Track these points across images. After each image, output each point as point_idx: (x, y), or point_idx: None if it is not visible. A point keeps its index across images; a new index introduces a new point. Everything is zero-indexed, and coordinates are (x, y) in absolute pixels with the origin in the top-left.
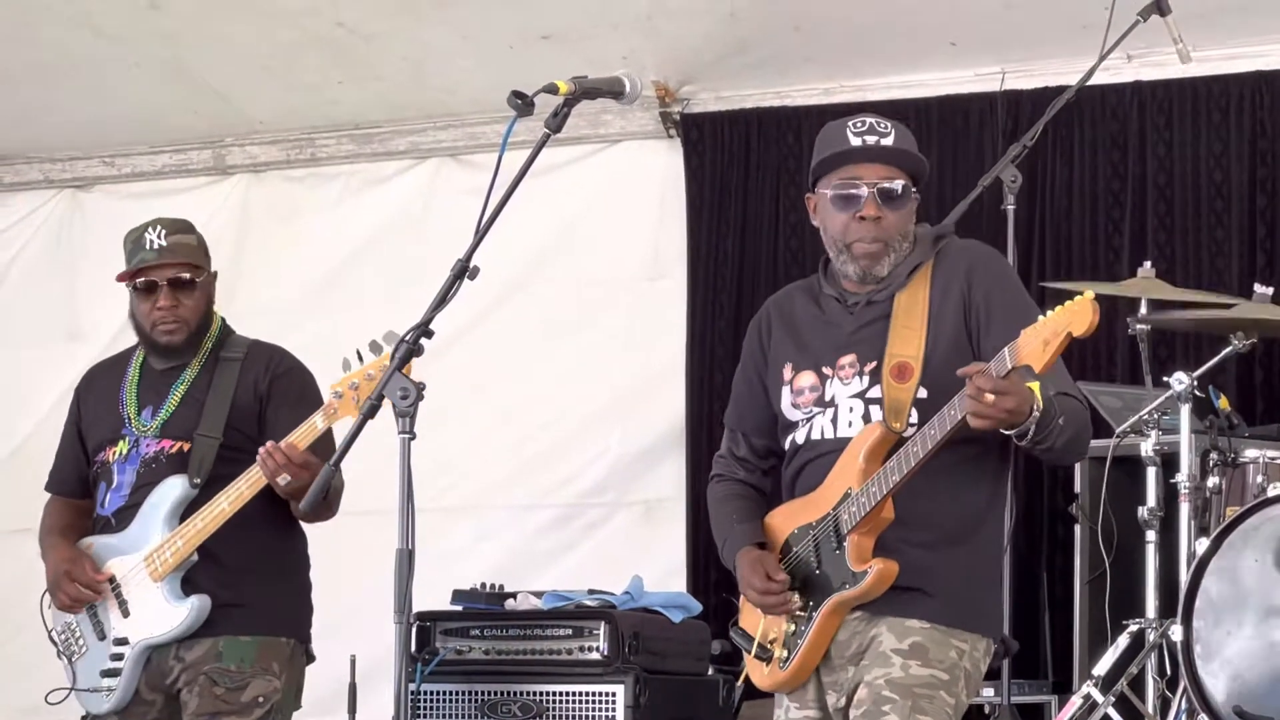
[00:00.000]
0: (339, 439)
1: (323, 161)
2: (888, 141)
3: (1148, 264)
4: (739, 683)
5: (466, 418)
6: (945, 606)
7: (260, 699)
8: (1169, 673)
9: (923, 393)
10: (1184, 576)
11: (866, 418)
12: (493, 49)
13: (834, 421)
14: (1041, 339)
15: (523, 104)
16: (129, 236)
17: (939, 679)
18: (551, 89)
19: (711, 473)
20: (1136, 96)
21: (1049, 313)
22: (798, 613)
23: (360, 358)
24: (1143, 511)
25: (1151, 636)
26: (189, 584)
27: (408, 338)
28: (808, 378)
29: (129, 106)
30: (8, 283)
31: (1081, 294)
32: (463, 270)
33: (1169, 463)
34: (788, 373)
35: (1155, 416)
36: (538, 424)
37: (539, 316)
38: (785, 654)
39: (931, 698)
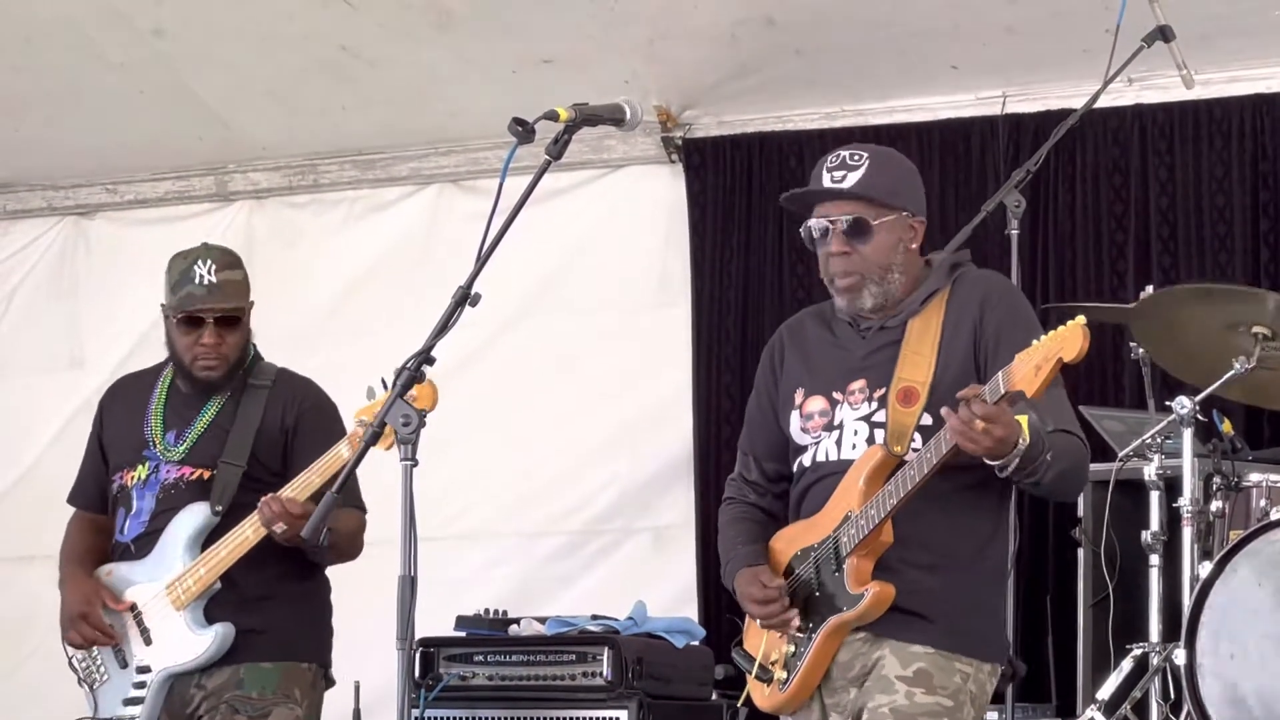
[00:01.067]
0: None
1: (325, 188)
2: (854, 177)
3: (1150, 288)
4: (740, 704)
5: (472, 445)
6: (949, 632)
7: None
8: (1172, 696)
9: (927, 419)
10: (1187, 600)
11: (870, 440)
12: (495, 73)
13: (838, 444)
14: (1033, 364)
15: (524, 131)
16: (175, 264)
17: (943, 706)
18: (552, 116)
19: (724, 495)
20: (1138, 120)
21: (1041, 338)
22: (797, 634)
23: (385, 385)
24: (1146, 535)
25: (1155, 660)
26: (209, 611)
27: (409, 365)
28: (817, 402)
29: (132, 133)
30: (11, 310)
31: (1075, 318)
32: (464, 297)
33: (1172, 486)
34: (798, 397)
35: (1158, 440)
36: (544, 451)
37: (544, 343)
38: (785, 675)
39: None
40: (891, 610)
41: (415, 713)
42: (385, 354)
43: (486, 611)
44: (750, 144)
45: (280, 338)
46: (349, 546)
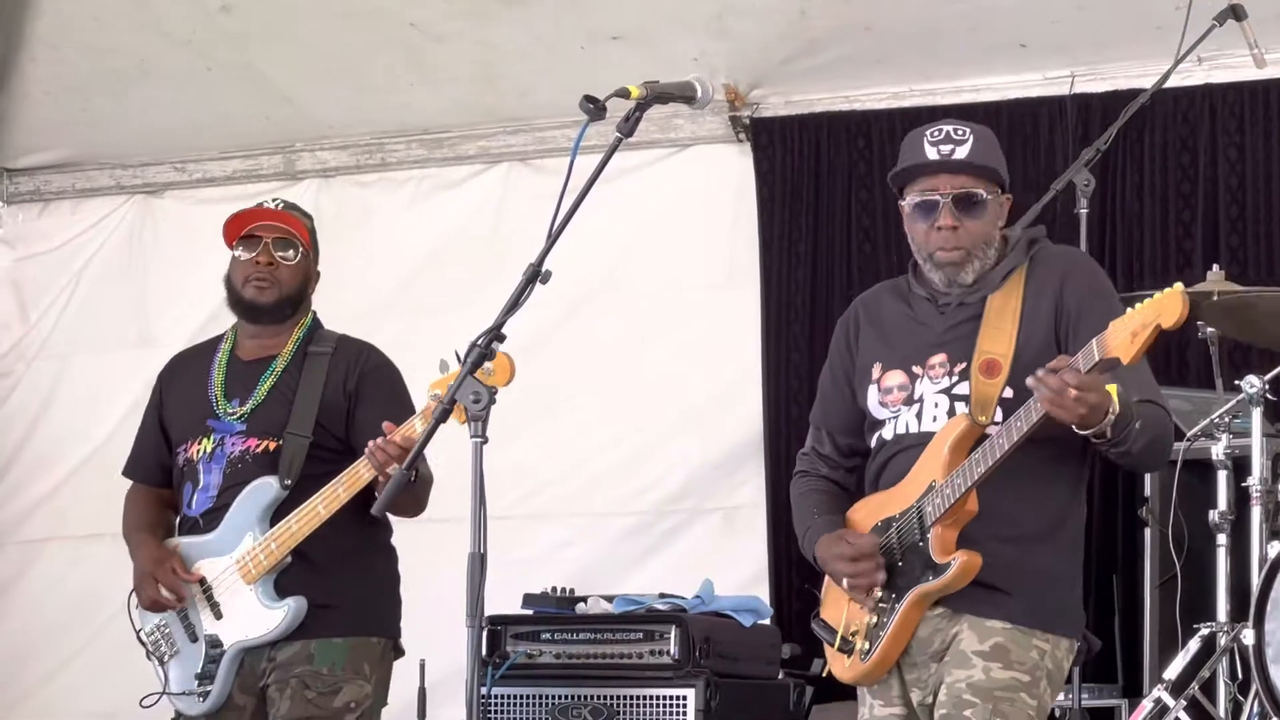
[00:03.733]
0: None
1: (392, 166)
2: (963, 151)
3: (1216, 267)
4: (822, 673)
5: (543, 425)
6: (1026, 607)
7: (352, 704)
8: (1240, 676)
9: (1009, 391)
10: (1255, 580)
11: (951, 413)
12: (564, 50)
13: (919, 416)
14: (1130, 330)
15: (595, 108)
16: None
17: (1019, 681)
18: (623, 93)
19: (795, 469)
20: (1208, 99)
21: (1137, 305)
22: (880, 604)
23: (459, 358)
24: (1213, 515)
25: (1223, 640)
26: (280, 585)
27: (479, 341)
28: (896, 376)
29: (200, 112)
30: (81, 289)
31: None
32: (535, 274)
33: (1240, 466)
34: (876, 371)
35: (1226, 420)
36: (614, 431)
37: (612, 323)
38: (867, 646)
39: (1012, 700)
40: (970, 584)
41: (482, 690)
42: (452, 333)
43: (554, 590)
44: (818, 124)
45: (348, 316)
46: (416, 502)
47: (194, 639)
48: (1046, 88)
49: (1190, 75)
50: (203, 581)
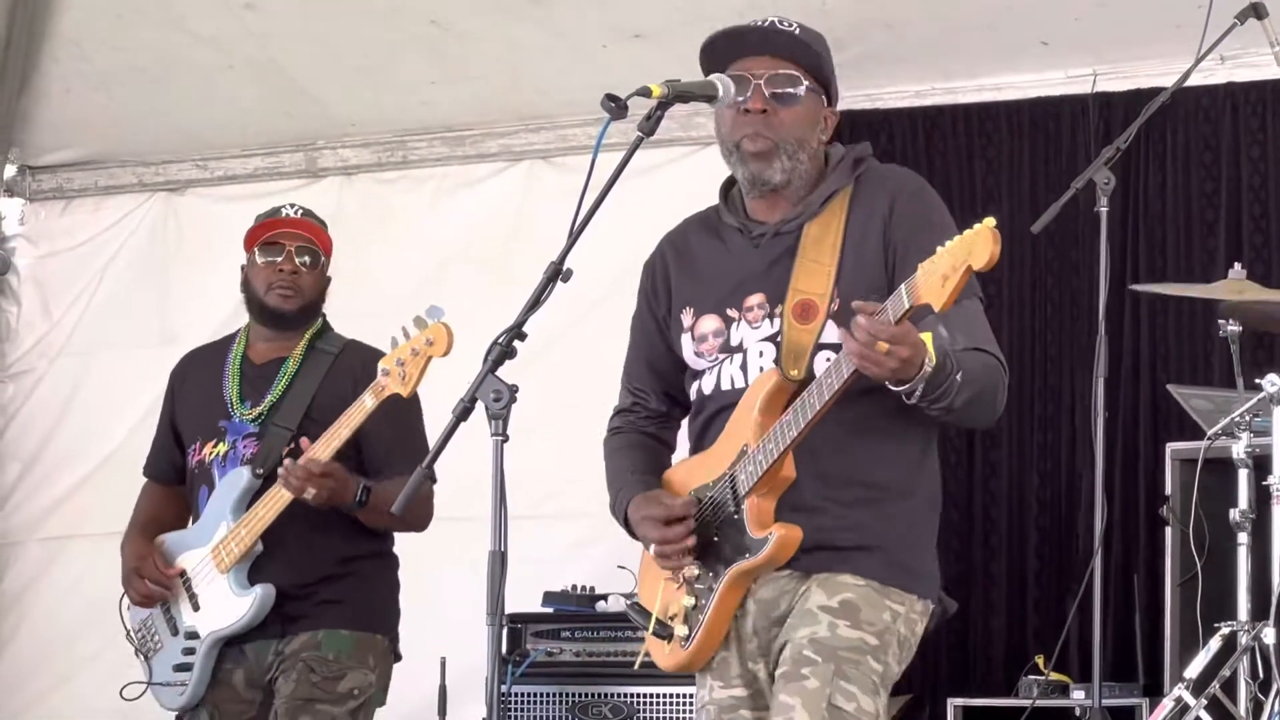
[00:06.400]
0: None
1: (414, 164)
2: (788, 36)
3: (1238, 265)
4: (635, 666)
5: (564, 423)
6: (882, 564)
7: (355, 690)
8: (1261, 675)
9: (830, 335)
10: (1276, 579)
11: (779, 364)
12: (586, 48)
13: (744, 369)
14: (940, 274)
15: (616, 107)
16: (263, 213)
17: (867, 644)
18: (645, 92)
19: (607, 429)
20: (1230, 99)
21: (946, 243)
22: (697, 584)
23: (406, 334)
24: (1234, 514)
25: (1244, 639)
26: (256, 573)
27: (500, 340)
28: (711, 322)
29: (222, 109)
30: (102, 287)
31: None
32: (556, 273)
33: (1261, 465)
34: (687, 318)
35: (1247, 419)
36: None
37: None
38: (686, 631)
39: (857, 663)
40: (818, 550)
41: (502, 688)
42: (473, 331)
43: (574, 588)
44: (839, 122)
45: (368, 314)
46: (415, 515)
47: (175, 632)
48: (1068, 86)
49: (1212, 74)
50: (183, 574)
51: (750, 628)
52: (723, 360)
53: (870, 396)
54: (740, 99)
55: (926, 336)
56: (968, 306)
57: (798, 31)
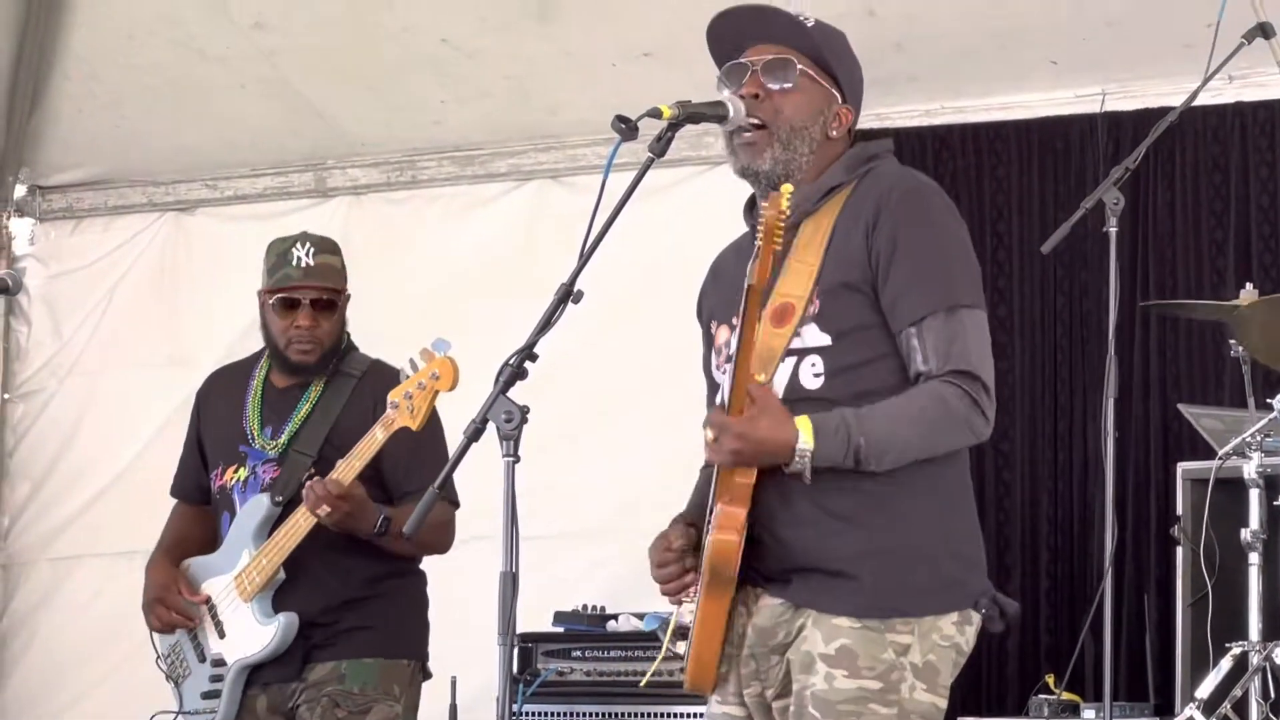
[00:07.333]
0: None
1: (423, 184)
2: (792, 20)
3: (1249, 285)
4: (642, 684)
5: (576, 445)
6: (876, 595)
7: None
8: (1273, 695)
9: (799, 340)
10: None
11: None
12: (595, 67)
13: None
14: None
15: (627, 128)
16: (274, 248)
17: (867, 691)
18: (655, 114)
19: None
20: (1238, 118)
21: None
22: (691, 601)
23: (414, 365)
24: (1245, 534)
25: (1255, 659)
26: (281, 600)
27: (511, 361)
28: (724, 333)
29: (231, 129)
30: (112, 306)
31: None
32: (567, 294)
33: (1272, 485)
34: (715, 332)
35: (1258, 439)
36: (648, 451)
37: (646, 341)
38: (684, 648)
39: (859, 714)
40: (809, 572)
41: (513, 708)
42: (484, 351)
43: (585, 607)
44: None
45: (378, 335)
46: (434, 539)
47: (202, 659)
48: (1077, 105)
49: (1221, 93)
50: (209, 601)
51: (748, 652)
52: (728, 370)
53: (862, 399)
54: (736, 84)
55: (802, 420)
56: (961, 317)
57: (811, 24)
